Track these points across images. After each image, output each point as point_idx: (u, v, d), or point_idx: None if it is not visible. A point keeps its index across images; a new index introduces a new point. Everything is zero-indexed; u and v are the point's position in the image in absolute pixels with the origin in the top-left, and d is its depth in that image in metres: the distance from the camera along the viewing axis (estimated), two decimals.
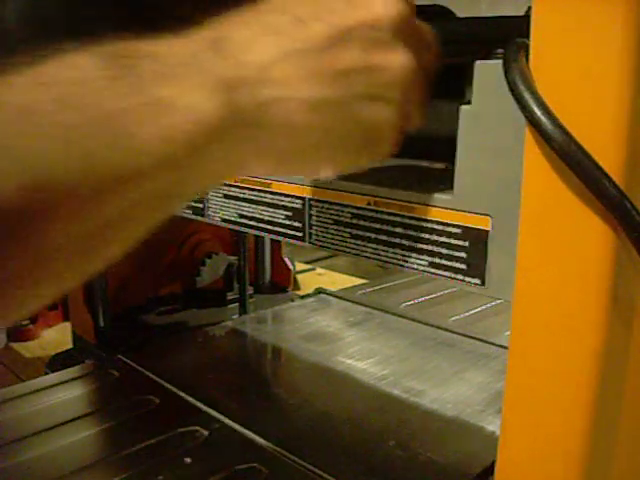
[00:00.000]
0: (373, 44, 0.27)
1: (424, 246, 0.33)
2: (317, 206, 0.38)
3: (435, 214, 0.32)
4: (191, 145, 0.23)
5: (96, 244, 0.24)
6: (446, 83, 0.40)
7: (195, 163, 0.24)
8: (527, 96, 0.24)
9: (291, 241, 0.41)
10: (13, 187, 0.20)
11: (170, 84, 0.23)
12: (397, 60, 0.28)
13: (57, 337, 0.97)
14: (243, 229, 0.45)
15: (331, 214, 0.38)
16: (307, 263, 1.33)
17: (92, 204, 0.22)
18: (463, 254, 0.31)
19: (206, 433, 0.53)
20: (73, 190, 0.21)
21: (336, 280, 1.23)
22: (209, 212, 0.47)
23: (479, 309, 0.85)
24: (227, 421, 0.55)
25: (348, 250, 0.37)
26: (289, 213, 0.40)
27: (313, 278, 1.25)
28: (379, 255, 0.36)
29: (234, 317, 0.84)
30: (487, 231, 0.30)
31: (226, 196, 0.45)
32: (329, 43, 0.26)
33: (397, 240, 0.34)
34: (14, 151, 0.20)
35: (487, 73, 0.28)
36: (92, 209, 0.22)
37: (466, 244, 0.31)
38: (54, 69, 0.22)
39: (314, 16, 0.27)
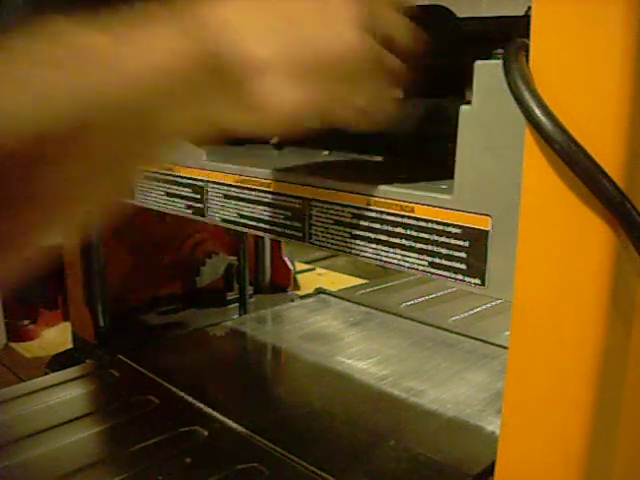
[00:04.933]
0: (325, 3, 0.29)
1: (424, 246, 0.33)
2: (317, 206, 0.38)
3: (435, 214, 0.32)
4: (167, 82, 0.27)
5: (82, 191, 0.27)
6: (446, 83, 0.40)
7: (172, 103, 0.28)
8: (527, 96, 0.24)
9: (291, 241, 0.41)
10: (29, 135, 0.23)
11: (147, 30, 0.27)
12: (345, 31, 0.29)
13: (57, 337, 0.96)
14: (243, 229, 0.45)
15: (331, 214, 0.38)
16: (307, 263, 1.33)
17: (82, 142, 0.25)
18: (463, 254, 0.31)
19: (206, 433, 0.53)
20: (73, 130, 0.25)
21: (336, 280, 1.23)
22: (209, 212, 0.47)
23: (479, 309, 0.85)
24: (227, 421, 0.55)
25: (348, 250, 0.37)
26: (289, 213, 0.40)
27: (313, 278, 1.25)
28: (379, 255, 0.35)
29: (234, 317, 0.84)
30: (487, 231, 0.30)
31: (226, 196, 0.45)
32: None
33: (397, 240, 0.34)
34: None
35: (487, 73, 0.28)
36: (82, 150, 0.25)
37: (466, 244, 0.31)
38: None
39: None
